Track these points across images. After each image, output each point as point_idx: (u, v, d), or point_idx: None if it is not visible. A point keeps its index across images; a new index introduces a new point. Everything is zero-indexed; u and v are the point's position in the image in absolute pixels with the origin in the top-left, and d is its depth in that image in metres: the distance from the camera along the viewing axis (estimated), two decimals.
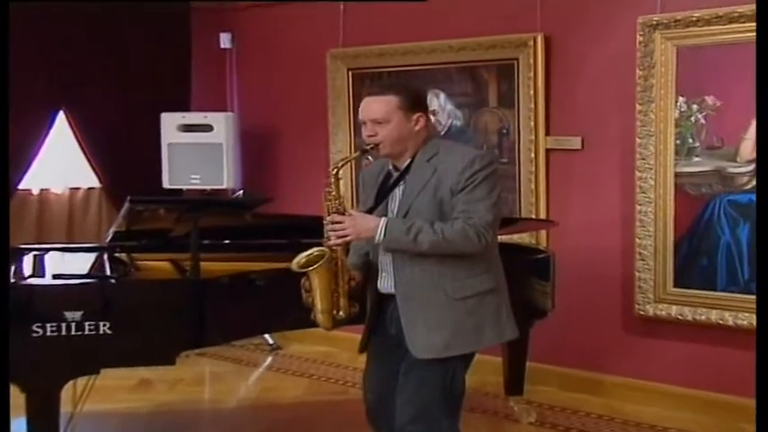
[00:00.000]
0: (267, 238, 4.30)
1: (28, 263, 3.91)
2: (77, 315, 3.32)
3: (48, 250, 4.25)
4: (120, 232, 4.14)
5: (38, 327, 3.28)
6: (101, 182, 5.95)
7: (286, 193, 5.81)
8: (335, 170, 2.93)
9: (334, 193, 2.90)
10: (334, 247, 2.94)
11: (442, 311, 2.90)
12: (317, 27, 5.83)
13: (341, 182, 2.95)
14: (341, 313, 3.02)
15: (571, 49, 4.88)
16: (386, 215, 2.96)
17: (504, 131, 5.11)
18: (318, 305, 3.00)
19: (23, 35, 5.28)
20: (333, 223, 2.89)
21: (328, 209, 2.92)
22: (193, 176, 5.83)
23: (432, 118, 5.25)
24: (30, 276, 3.63)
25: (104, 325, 3.34)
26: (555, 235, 5.00)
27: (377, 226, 2.85)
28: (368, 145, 2.93)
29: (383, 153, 2.95)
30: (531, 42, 4.90)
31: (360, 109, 2.97)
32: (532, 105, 4.93)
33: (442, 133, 5.28)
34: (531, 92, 4.93)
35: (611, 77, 4.75)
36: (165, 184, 5.83)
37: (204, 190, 5.86)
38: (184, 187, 5.88)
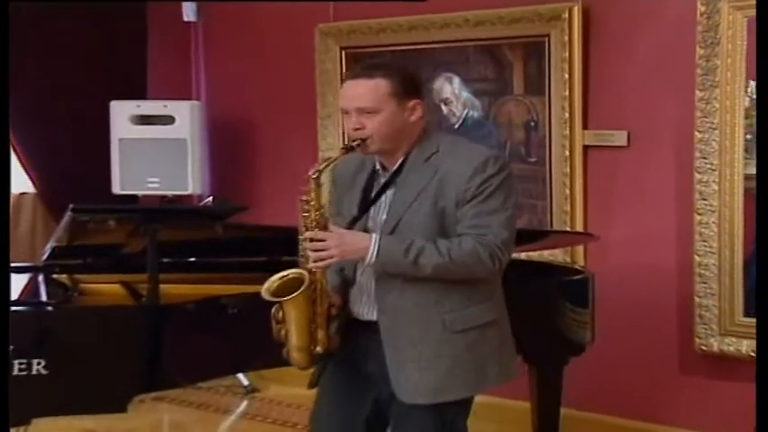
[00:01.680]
0: (242, 255, 4.31)
1: None
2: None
3: None
4: (60, 248, 4.13)
5: None
6: (34, 186, 5.93)
7: (265, 199, 5.80)
8: (316, 174, 2.89)
9: (313, 202, 2.88)
10: (313, 269, 2.92)
11: (438, 346, 2.90)
12: None
13: (322, 189, 2.91)
14: (319, 348, 3.00)
15: (615, 23, 4.88)
16: (367, 229, 2.94)
17: (532, 124, 5.11)
18: (294, 340, 2.98)
19: None
20: (312, 241, 2.86)
21: (306, 223, 2.89)
22: (151, 179, 5.83)
23: (444, 108, 5.35)
24: None
25: (38, 363, 3.32)
26: (594, 251, 4.99)
27: (367, 246, 2.84)
28: (353, 141, 2.90)
29: (372, 150, 2.93)
30: (566, 15, 4.88)
31: (341, 95, 2.96)
32: (567, 92, 4.93)
33: (456, 126, 5.30)
34: (566, 76, 4.92)
35: (665, 57, 4.74)
36: (116, 189, 5.82)
37: (164, 196, 5.85)
38: (140, 193, 5.86)
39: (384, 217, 2.94)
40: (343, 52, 5.67)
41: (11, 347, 3.27)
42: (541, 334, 4.13)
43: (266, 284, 2.96)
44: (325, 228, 2.87)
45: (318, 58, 5.75)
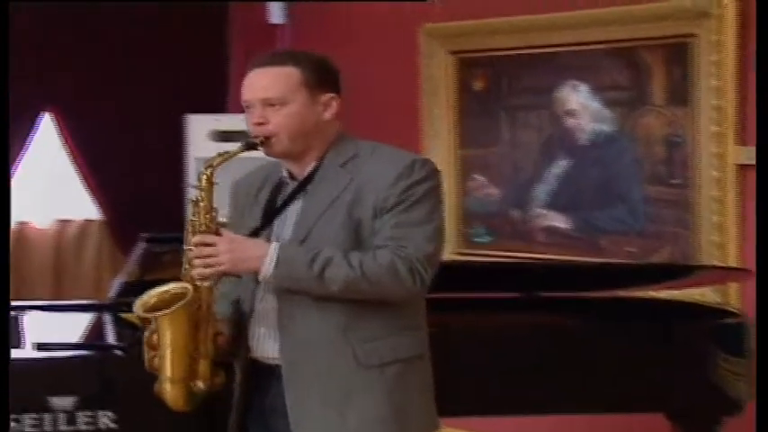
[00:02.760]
0: None
1: None
2: (68, 402, 3.30)
3: (26, 309, 4.25)
4: (131, 283, 4.11)
5: (13, 419, 3.26)
6: (102, 212, 5.99)
7: None
8: (209, 170, 2.83)
9: (203, 203, 2.83)
10: (199, 283, 2.82)
11: (348, 384, 2.78)
12: None
13: (214, 188, 2.85)
14: (200, 383, 2.88)
15: None
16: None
17: (676, 140, 5.06)
18: (167, 370, 2.86)
19: None
20: (200, 246, 2.79)
21: (194, 227, 2.83)
22: None
23: (568, 121, 5.28)
24: None
25: (106, 416, 3.33)
26: (752, 290, 4.82)
27: (264, 254, 2.73)
28: (255, 137, 2.82)
29: (277, 150, 2.83)
30: (717, 10, 4.81)
31: (243, 85, 2.87)
32: (718, 102, 4.85)
33: (581, 143, 5.23)
34: (716, 83, 4.85)
35: None
36: None
37: None
38: (221, 219, 5.87)
39: (290, 231, 2.85)
40: (452, 57, 5.67)
41: (74, 398, 3.30)
42: (688, 387, 4.05)
43: (141, 299, 2.87)
44: (215, 232, 2.80)
45: (423, 63, 5.77)
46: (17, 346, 3.60)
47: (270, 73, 2.82)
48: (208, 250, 2.77)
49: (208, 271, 2.78)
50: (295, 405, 2.81)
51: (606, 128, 5.24)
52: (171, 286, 2.86)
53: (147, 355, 2.89)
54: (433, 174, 2.82)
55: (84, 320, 4.13)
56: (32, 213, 5.96)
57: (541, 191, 5.45)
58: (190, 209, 2.84)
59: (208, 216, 2.81)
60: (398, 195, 2.74)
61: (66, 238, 6.04)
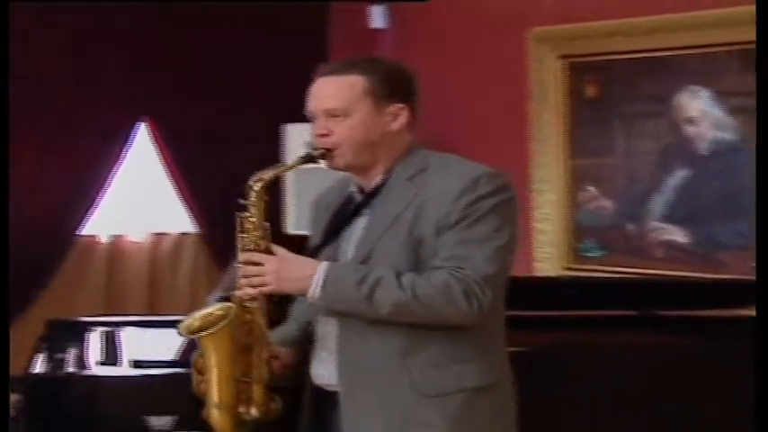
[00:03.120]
0: None
1: (95, 343, 3.95)
2: (166, 422, 3.33)
3: (122, 324, 4.30)
4: (228, 298, 4.10)
5: None
6: (197, 225, 6.03)
7: None
8: (260, 184, 2.82)
9: (254, 219, 2.81)
10: (247, 303, 2.81)
11: (408, 413, 2.70)
12: None
13: (265, 204, 2.83)
14: (253, 411, 2.84)
15: None
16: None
17: None
18: (214, 395, 2.84)
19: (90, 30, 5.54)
20: (248, 265, 2.76)
21: (244, 244, 2.80)
22: None
23: (688, 129, 5.19)
24: (98, 363, 3.68)
25: None
26: None
27: (312, 274, 2.68)
28: (315, 149, 2.80)
29: (341, 163, 2.81)
30: None
31: (309, 95, 2.87)
32: None
33: (702, 152, 5.17)
34: None
35: None
36: (290, 228, 5.86)
37: None
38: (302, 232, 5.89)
39: (353, 248, 2.80)
40: (563, 62, 5.63)
41: (172, 418, 3.32)
42: None
43: (186, 320, 2.86)
44: (265, 250, 2.77)
45: (533, 68, 5.72)
46: (114, 363, 3.66)
47: (334, 82, 2.80)
48: (254, 269, 2.75)
49: (252, 291, 2.76)
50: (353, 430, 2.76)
51: (728, 136, 5.13)
52: (216, 307, 2.87)
53: (194, 378, 2.88)
54: (503, 188, 2.73)
55: (179, 336, 4.14)
56: (127, 227, 6.02)
57: (658, 203, 5.36)
58: (238, 224, 2.82)
59: (257, 233, 2.79)
60: (461, 211, 2.66)
61: (162, 252, 6.09)
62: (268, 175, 2.83)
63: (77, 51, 5.69)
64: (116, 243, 6.00)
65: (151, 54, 5.88)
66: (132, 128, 5.86)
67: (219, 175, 5.96)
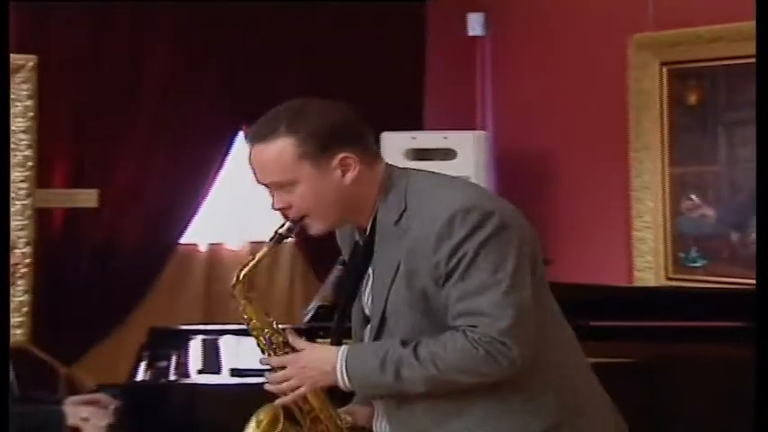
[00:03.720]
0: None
1: (195, 351, 3.98)
2: None
3: (221, 333, 4.32)
4: (326, 308, 4.11)
5: None
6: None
7: (564, 250, 5.68)
8: (237, 284, 2.68)
9: (254, 321, 2.69)
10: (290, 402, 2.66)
11: None
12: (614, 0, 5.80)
13: (252, 297, 2.70)
14: None
15: None
16: (364, 322, 2.65)
17: None
18: None
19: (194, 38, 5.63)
20: (273, 370, 2.64)
21: (259, 342, 2.69)
22: None
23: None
24: (198, 371, 3.71)
25: None
26: None
27: (334, 367, 2.54)
28: (282, 225, 2.63)
29: (318, 231, 2.62)
30: None
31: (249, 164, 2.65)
32: None
33: None
34: None
35: None
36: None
37: None
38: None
39: (368, 305, 2.64)
40: (665, 68, 5.58)
41: None
42: None
43: None
44: (282, 348, 2.64)
45: (633, 76, 5.67)
46: (214, 372, 3.67)
47: (263, 151, 2.56)
48: (280, 376, 2.62)
49: (290, 398, 2.63)
50: None
51: None
52: (262, 411, 2.74)
53: None
54: (482, 221, 2.44)
55: None
56: (226, 235, 6.06)
57: None
58: (247, 324, 2.70)
59: (267, 332, 2.67)
60: (447, 262, 2.44)
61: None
62: (243, 271, 2.67)
63: (176, 58, 5.74)
64: (214, 251, 6.03)
65: (250, 60, 5.92)
66: (232, 135, 5.89)
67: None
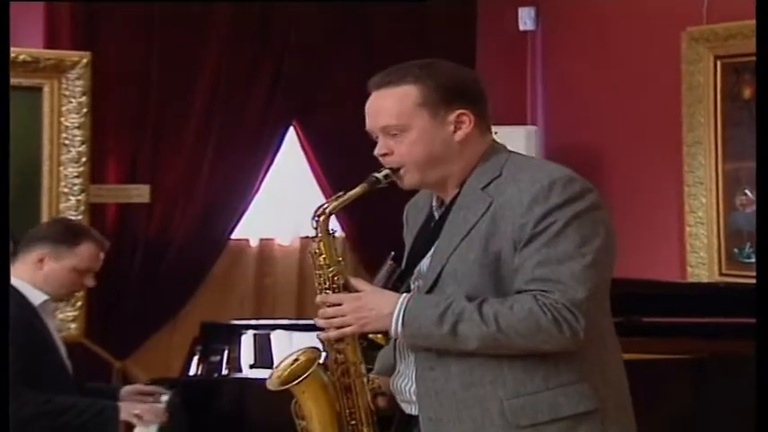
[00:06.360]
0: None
1: (246, 346, 4.02)
2: None
3: (273, 327, 4.36)
4: None
5: None
6: (344, 228, 6.08)
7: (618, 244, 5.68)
8: (322, 215, 2.67)
9: (324, 256, 2.66)
10: (336, 345, 2.65)
11: None
12: None
13: (334, 235, 2.69)
14: None
15: None
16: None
17: None
18: None
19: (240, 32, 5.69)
20: (327, 306, 2.61)
21: (319, 282, 2.66)
22: None
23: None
24: (250, 366, 3.78)
25: None
26: None
27: (391, 311, 2.52)
28: (379, 171, 2.64)
29: (410, 182, 2.64)
30: None
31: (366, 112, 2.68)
32: None
33: None
34: None
35: None
36: None
37: None
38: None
39: (426, 267, 2.62)
40: (719, 62, 5.53)
41: None
42: None
43: (275, 372, 2.74)
44: (341, 287, 2.63)
45: (686, 69, 5.62)
46: (265, 366, 3.70)
47: (384, 96, 2.62)
48: (332, 311, 2.59)
49: (334, 334, 2.61)
50: None
51: None
52: (301, 352, 2.75)
53: (297, 425, 2.79)
54: (581, 194, 2.47)
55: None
56: (276, 230, 6.09)
57: None
58: (312, 260, 2.69)
59: (331, 270, 2.65)
60: (535, 225, 2.44)
61: (309, 256, 6.15)
62: (331, 206, 2.69)
63: (228, 55, 5.78)
64: (265, 246, 6.07)
65: (301, 57, 5.95)
66: (282, 131, 5.93)
67: (364, 178, 6.02)
